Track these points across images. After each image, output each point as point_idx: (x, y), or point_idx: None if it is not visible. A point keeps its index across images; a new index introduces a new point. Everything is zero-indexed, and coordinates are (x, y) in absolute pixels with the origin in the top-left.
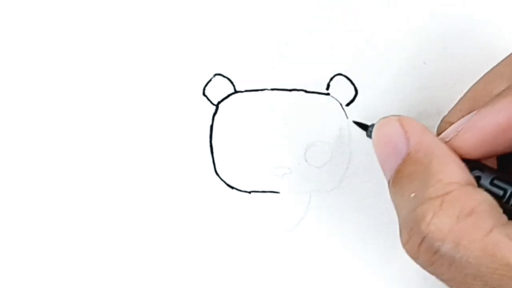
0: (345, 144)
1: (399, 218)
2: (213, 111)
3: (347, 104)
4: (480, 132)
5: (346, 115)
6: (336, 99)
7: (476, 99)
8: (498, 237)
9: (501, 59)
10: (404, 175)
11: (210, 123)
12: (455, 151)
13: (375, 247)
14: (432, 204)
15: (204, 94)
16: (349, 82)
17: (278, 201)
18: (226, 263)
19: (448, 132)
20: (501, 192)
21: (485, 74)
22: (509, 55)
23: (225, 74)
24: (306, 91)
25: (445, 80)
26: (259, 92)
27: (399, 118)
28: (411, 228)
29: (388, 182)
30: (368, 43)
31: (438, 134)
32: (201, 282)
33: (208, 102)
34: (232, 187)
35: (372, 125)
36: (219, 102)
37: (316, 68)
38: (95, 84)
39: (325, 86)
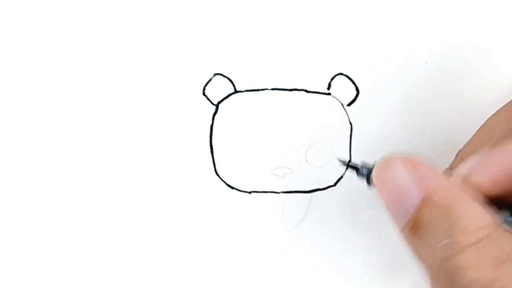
0: (346, 144)
1: (425, 264)
2: (213, 111)
3: (349, 104)
4: (498, 168)
5: (347, 115)
6: (337, 99)
7: (491, 135)
8: None
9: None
10: (425, 222)
11: (210, 123)
12: (474, 186)
13: (375, 247)
14: (466, 254)
15: (204, 94)
16: (350, 82)
17: (279, 201)
18: (227, 263)
19: (464, 169)
20: None
21: (499, 110)
22: None
23: (225, 74)
24: (307, 91)
25: (446, 79)
26: (260, 92)
27: (404, 159)
28: (451, 276)
29: (401, 229)
30: (369, 43)
31: (452, 169)
32: (201, 281)
33: (208, 102)
34: (232, 187)
35: (364, 167)
36: (219, 102)
37: (317, 67)
38: (95, 84)
39: (326, 86)
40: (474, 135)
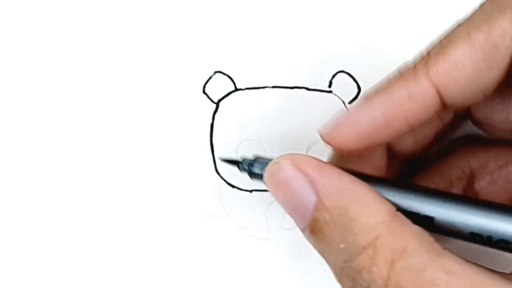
0: None
1: (330, 266)
2: (214, 109)
3: (350, 102)
4: (358, 126)
5: None
6: (339, 97)
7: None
8: (433, 274)
9: None
10: (324, 224)
11: (211, 121)
12: (334, 143)
13: None
14: (366, 253)
15: (204, 92)
16: (351, 80)
17: None
18: (227, 262)
19: (328, 124)
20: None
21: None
22: None
23: (225, 72)
24: (308, 89)
25: None
26: (260, 89)
27: (292, 158)
28: (353, 277)
29: (303, 230)
30: (371, 40)
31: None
32: (201, 281)
33: (209, 100)
34: (233, 186)
35: (244, 160)
36: (219, 100)
37: (318, 65)
38: (95, 83)
39: (328, 84)
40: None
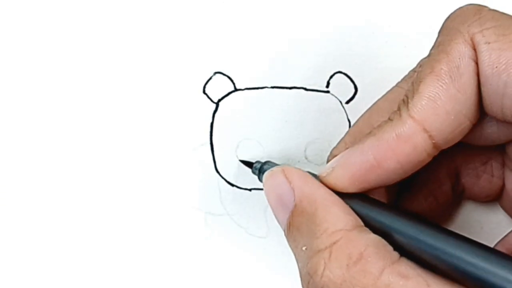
0: None
1: (298, 266)
2: (214, 109)
3: (347, 102)
4: (351, 168)
5: (346, 112)
6: (336, 97)
7: (359, 133)
8: (389, 279)
9: None
10: (295, 227)
11: (211, 120)
12: (332, 187)
13: None
14: (322, 256)
15: (204, 92)
16: (348, 80)
17: None
18: (226, 259)
19: (325, 169)
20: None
21: (368, 109)
22: (389, 91)
23: (225, 72)
24: (306, 89)
25: None
26: (259, 90)
27: (283, 169)
28: (308, 281)
29: (284, 233)
30: (368, 41)
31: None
32: (201, 278)
33: (209, 100)
34: (233, 185)
35: (257, 162)
36: (219, 100)
37: (316, 65)
38: (96, 83)
39: (325, 84)
40: (345, 134)
